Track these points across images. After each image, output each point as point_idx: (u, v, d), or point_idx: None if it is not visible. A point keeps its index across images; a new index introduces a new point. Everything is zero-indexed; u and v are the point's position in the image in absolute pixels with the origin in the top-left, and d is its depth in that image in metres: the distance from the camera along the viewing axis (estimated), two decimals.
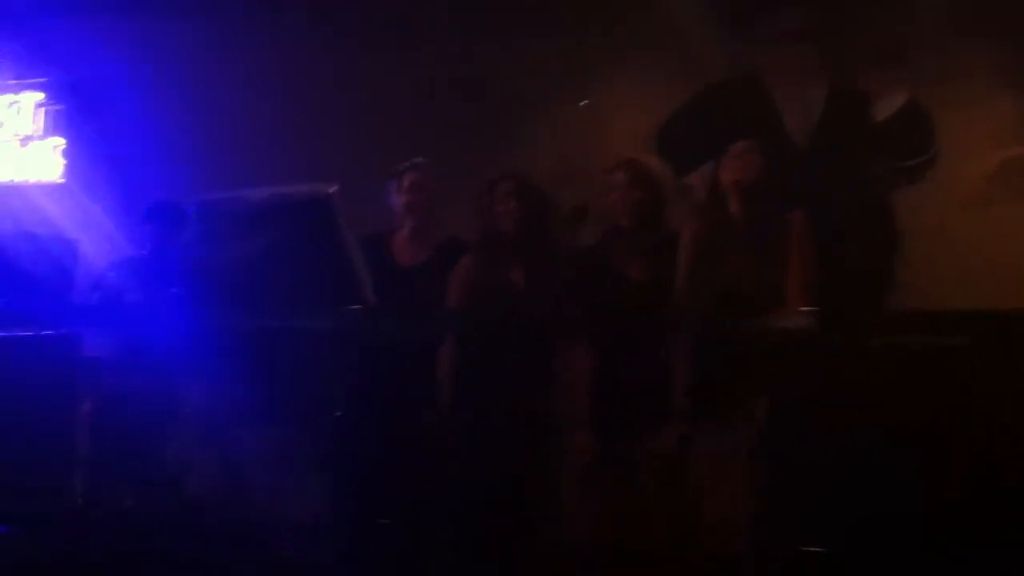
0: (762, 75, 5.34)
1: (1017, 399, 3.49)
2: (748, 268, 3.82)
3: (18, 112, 6.02)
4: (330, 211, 3.71)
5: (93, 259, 5.05)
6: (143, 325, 4.42)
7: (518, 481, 3.91)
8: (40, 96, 6.00)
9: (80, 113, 5.84)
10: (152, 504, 4.41)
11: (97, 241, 5.24)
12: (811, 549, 3.56)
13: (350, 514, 4.19)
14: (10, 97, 6.02)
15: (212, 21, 5.53)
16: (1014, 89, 5.05)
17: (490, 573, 3.95)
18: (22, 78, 5.97)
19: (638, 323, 3.91)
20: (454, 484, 4.07)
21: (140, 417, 4.47)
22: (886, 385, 3.62)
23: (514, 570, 3.90)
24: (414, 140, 5.05)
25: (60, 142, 5.98)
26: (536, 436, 3.95)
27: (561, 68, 5.48)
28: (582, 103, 5.53)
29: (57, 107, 5.97)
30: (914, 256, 5.06)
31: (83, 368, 4.54)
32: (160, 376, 4.50)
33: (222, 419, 4.44)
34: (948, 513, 3.39)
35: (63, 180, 5.91)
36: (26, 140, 6.02)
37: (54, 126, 5.98)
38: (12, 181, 5.96)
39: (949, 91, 5.10)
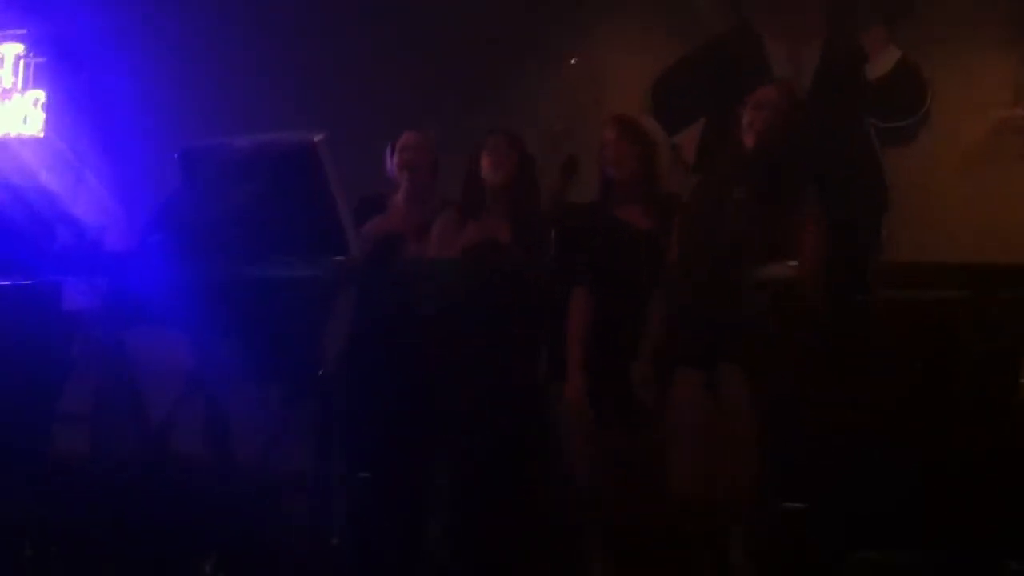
0: (759, 31, 5.29)
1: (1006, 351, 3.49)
2: (752, 226, 3.78)
3: None
4: (316, 159, 3.66)
5: (73, 210, 4.98)
6: (125, 274, 4.37)
7: (514, 439, 3.91)
8: (20, 48, 5.89)
9: (62, 65, 5.74)
10: (137, 459, 4.37)
11: (77, 193, 5.17)
12: (795, 505, 3.55)
13: (339, 471, 4.17)
14: None
15: None
16: (1014, 47, 5.02)
17: (488, 532, 3.95)
18: (2, 29, 5.86)
19: (645, 270, 3.88)
20: (448, 443, 4.05)
21: (121, 370, 4.42)
22: (876, 338, 3.61)
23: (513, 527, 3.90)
24: (406, 98, 5.01)
25: (40, 95, 5.88)
26: (530, 393, 3.94)
27: (553, 23, 5.43)
28: (572, 60, 5.47)
29: (38, 59, 5.86)
30: (904, 213, 5.05)
31: (63, 318, 4.48)
32: (143, 327, 4.46)
33: (208, 372, 4.39)
34: (941, 467, 3.38)
35: (43, 134, 5.82)
36: (6, 93, 5.92)
37: (35, 79, 5.88)
38: None
39: (947, 47, 5.07)
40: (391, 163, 4.43)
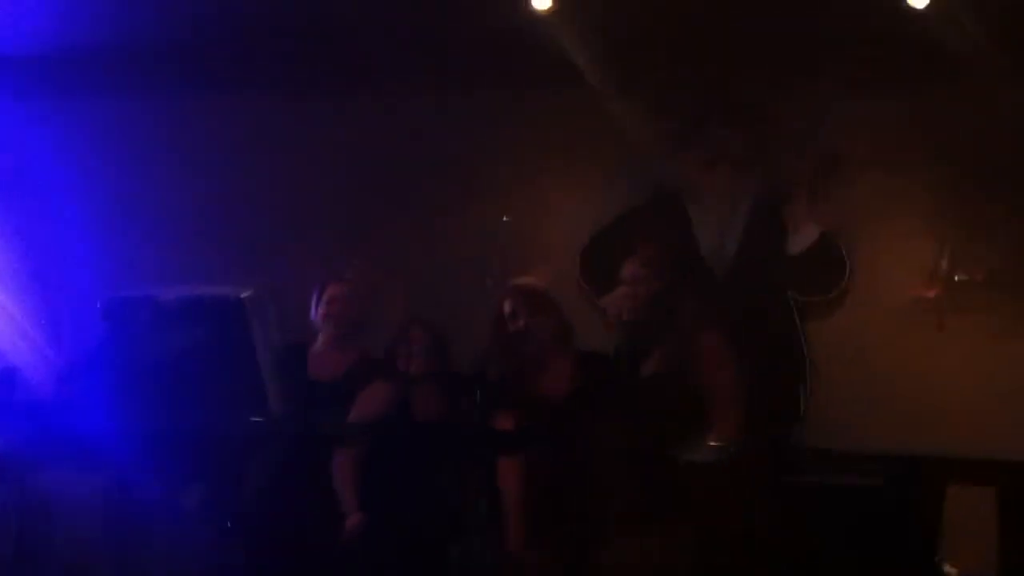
0: (685, 197, 5.43)
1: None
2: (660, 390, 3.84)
3: None
4: (242, 316, 3.67)
5: None
6: (42, 419, 4.29)
7: None
8: None
9: None
10: None
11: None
12: None
13: None
14: None
15: (137, 104, 5.44)
16: (926, 228, 5.22)
17: None
18: None
19: (563, 438, 3.91)
20: None
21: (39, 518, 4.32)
22: (795, 522, 3.64)
23: None
24: (341, 246, 5.03)
25: None
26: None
27: (486, 180, 5.52)
28: (504, 219, 5.55)
29: None
30: (821, 389, 5.14)
31: None
32: (57, 471, 4.37)
33: (124, 518, 4.30)
34: None
35: None
36: None
37: None
38: None
39: (866, 229, 5.25)
40: (315, 312, 4.45)
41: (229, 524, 4.08)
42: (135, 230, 5.24)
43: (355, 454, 4.09)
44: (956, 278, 5.15)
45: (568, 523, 3.86)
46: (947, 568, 3.98)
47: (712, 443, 3.65)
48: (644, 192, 5.48)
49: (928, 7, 4.58)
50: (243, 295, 3.66)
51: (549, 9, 4.71)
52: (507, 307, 4.15)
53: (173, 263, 4.89)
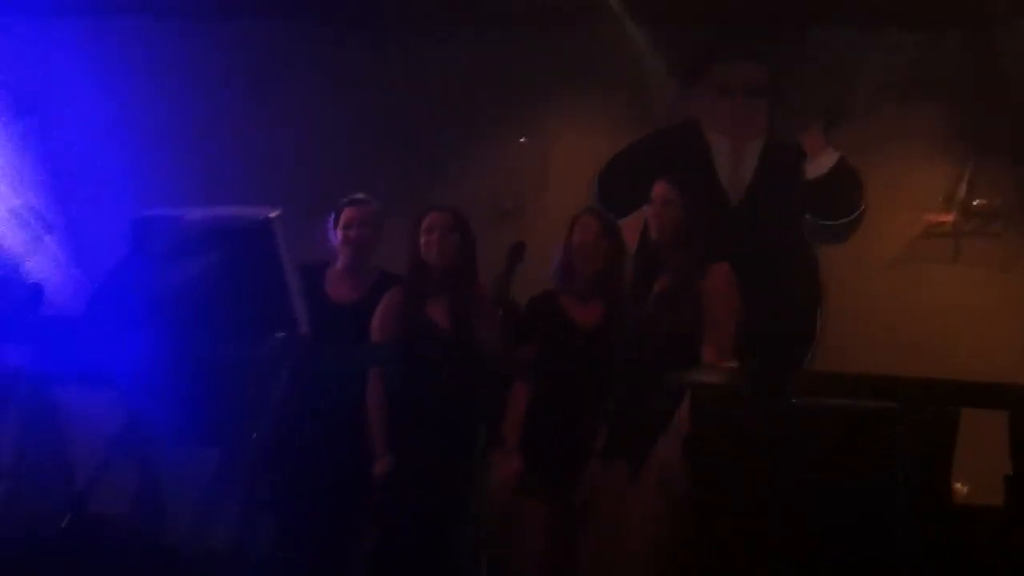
0: (702, 125, 5.46)
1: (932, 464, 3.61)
2: (668, 318, 3.86)
3: None
4: (270, 235, 3.68)
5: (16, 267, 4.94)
6: (69, 339, 4.33)
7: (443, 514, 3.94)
8: None
9: (14, 116, 5.69)
10: (57, 520, 4.30)
11: (22, 248, 5.13)
12: None
13: (269, 541, 4.16)
14: None
15: (167, 26, 5.44)
16: (942, 159, 5.25)
17: None
18: None
19: (581, 367, 3.96)
20: (380, 517, 4.06)
21: (48, 427, 4.38)
22: (805, 444, 3.69)
23: None
24: (356, 172, 5.06)
25: None
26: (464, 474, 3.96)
27: (505, 102, 5.53)
28: (521, 139, 5.58)
29: None
30: (834, 314, 5.21)
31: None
32: (74, 387, 4.42)
33: (141, 435, 4.35)
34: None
35: None
36: None
37: None
38: None
39: (881, 155, 5.28)
40: (334, 235, 4.45)
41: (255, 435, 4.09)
42: (163, 150, 5.27)
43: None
44: (974, 203, 5.20)
45: (562, 450, 3.93)
46: (958, 487, 4.08)
47: (713, 364, 3.67)
48: (663, 119, 5.51)
49: None
50: (271, 215, 3.66)
51: None
52: (592, 227, 4.10)
53: (200, 183, 4.92)
